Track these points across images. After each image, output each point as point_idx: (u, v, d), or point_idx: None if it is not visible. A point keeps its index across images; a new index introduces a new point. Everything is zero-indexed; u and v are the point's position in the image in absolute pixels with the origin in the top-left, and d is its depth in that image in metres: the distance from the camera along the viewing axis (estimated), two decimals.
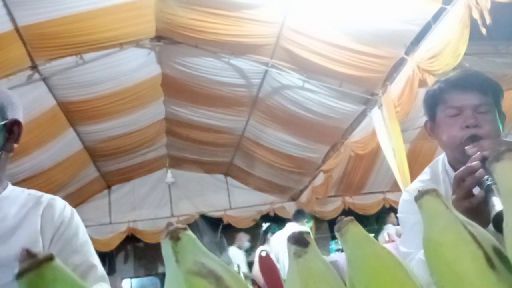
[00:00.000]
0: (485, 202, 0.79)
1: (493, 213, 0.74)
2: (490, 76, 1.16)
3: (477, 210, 0.83)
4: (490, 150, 0.88)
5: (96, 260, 1.09)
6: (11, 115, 1.06)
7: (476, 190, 0.86)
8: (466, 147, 0.95)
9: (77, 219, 1.13)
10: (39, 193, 1.12)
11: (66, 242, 1.06)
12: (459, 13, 3.26)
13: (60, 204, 1.12)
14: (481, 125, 1.04)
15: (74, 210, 1.15)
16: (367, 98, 4.88)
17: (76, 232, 1.10)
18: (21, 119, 1.09)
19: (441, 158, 1.20)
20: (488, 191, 0.80)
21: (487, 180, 0.81)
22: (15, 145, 1.08)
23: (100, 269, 1.08)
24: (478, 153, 0.88)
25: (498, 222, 0.72)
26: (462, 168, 0.88)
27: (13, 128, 1.06)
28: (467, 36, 3.22)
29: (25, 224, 1.03)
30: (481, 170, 0.84)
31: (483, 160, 0.86)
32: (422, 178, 1.23)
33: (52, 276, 0.27)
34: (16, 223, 1.03)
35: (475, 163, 0.86)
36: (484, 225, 0.83)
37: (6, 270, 0.86)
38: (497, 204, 0.74)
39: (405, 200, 1.21)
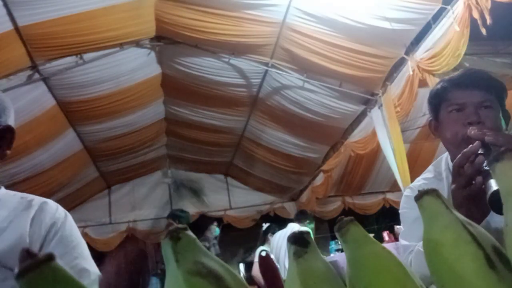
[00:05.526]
0: (484, 189, 0.79)
1: (489, 193, 0.74)
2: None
3: (476, 197, 0.83)
4: (491, 136, 0.88)
5: (89, 264, 1.04)
6: (3, 121, 1.02)
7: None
8: (468, 130, 0.95)
9: (70, 221, 1.08)
10: (31, 196, 1.09)
11: (56, 245, 1.01)
12: (459, 13, 3.26)
13: (52, 207, 1.07)
14: (484, 122, 1.04)
15: (67, 212, 1.10)
16: (367, 98, 4.88)
17: (69, 234, 1.05)
18: (12, 124, 1.05)
19: (445, 157, 1.21)
20: (486, 176, 0.79)
21: (485, 166, 0.81)
22: (8, 152, 1.04)
23: (94, 272, 1.03)
24: (477, 142, 0.88)
25: (494, 201, 0.72)
26: (459, 155, 0.88)
27: (6, 135, 1.03)
28: (467, 36, 3.23)
29: (13, 227, 1.00)
30: (480, 157, 0.84)
31: (483, 148, 0.86)
32: (426, 176, 1.24)
33: (52, 276, 0.27)
34: (5, 226, 0.99)
35: (471, 146, 0.87)
36: (485, 212, 0.83)
37: None
38: (493, 184, 0.74)
39: (407, 196, 1.23)
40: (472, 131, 0.93)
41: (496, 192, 0.70)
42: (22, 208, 1.04)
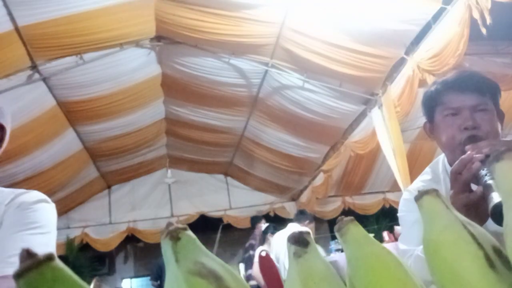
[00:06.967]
0: (483, 198, 0.79)
1: (491, 205, 0.74)
2: (489, 76, 1.16)
3: (475, 205, 0.83)
4: (488, 149, 0.88)
5: (32, 244, 0.92)
6: None
7: (474, 188, 0.86)
8: (466, 148, 0.95)
9: (43, 206, 1.02)
10: (19, 190, 1.05)
11: (12, 219, 0.96)
12: (459, 13, 3.26)
13: (29, 195, 1.03)
14: (480, 126, 1.04)
15: (48, 200, 1.04)
16: (367, 98, 4.88)
17: (31, 216, 0.98)
18: (7, 124, 1.05)
19: (441, 158, 1.20)
20: (486, 186, 0.80)
21: (485, 175, 0.81)
22: None
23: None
24: (476, 150, 0.88)
25: (496, 214, 0.72)
26: (457, 161, 0.88)
27: None
28: (467, 36, 3.22)
29: None
30: (477, 163, 0.84)
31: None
32: (423, 178, 1.23)
33: (52, 276, 0.27)
34: None
35: (469, 153, 0.87)
36: (483, 219, 0.83)
37: None
38: (495, 196, 0.74)
39: (405, 199, 1.22)
40: (468, 150, 0.93)
41: (498, 205, 0.71)
42: (1, 200, 1.01)
